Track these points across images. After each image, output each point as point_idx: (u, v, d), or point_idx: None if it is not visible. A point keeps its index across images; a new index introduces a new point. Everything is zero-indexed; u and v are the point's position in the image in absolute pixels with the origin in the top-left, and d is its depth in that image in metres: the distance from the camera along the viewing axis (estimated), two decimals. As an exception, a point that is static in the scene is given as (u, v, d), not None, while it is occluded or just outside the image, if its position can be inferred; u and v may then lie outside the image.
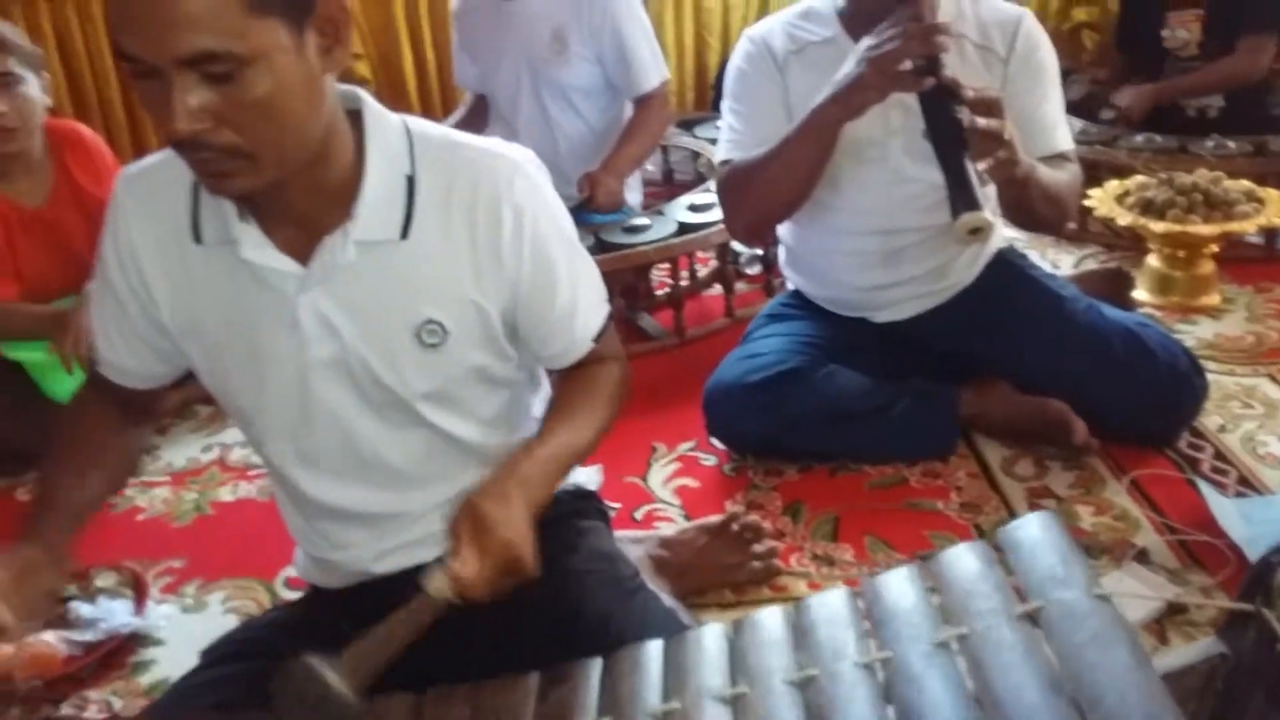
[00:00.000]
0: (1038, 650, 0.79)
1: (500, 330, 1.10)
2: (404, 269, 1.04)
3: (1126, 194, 2.38)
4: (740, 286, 2.54)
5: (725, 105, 1.83)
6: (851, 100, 1.56)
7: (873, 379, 1.84)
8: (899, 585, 0.92)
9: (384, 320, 1.06)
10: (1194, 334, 2.21)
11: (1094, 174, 2.58)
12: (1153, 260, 2.36)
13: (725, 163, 1.79)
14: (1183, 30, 2.96)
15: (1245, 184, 2.33)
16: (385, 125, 1.04)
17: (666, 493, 1.83)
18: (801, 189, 1.71)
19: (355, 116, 1.03)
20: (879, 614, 0.89)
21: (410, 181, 1.03)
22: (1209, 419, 1.90)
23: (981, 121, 1.43)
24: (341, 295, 1.05)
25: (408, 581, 0.98)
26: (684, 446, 1.95)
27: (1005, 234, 1.94)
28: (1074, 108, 2.94)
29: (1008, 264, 1.92)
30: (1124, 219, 2.26)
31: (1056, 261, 2.61)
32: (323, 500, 1.16)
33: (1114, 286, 2.32)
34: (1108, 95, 2.99)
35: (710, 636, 0.94)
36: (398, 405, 1.10)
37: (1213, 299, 2.31)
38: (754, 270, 2.63)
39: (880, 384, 1.84)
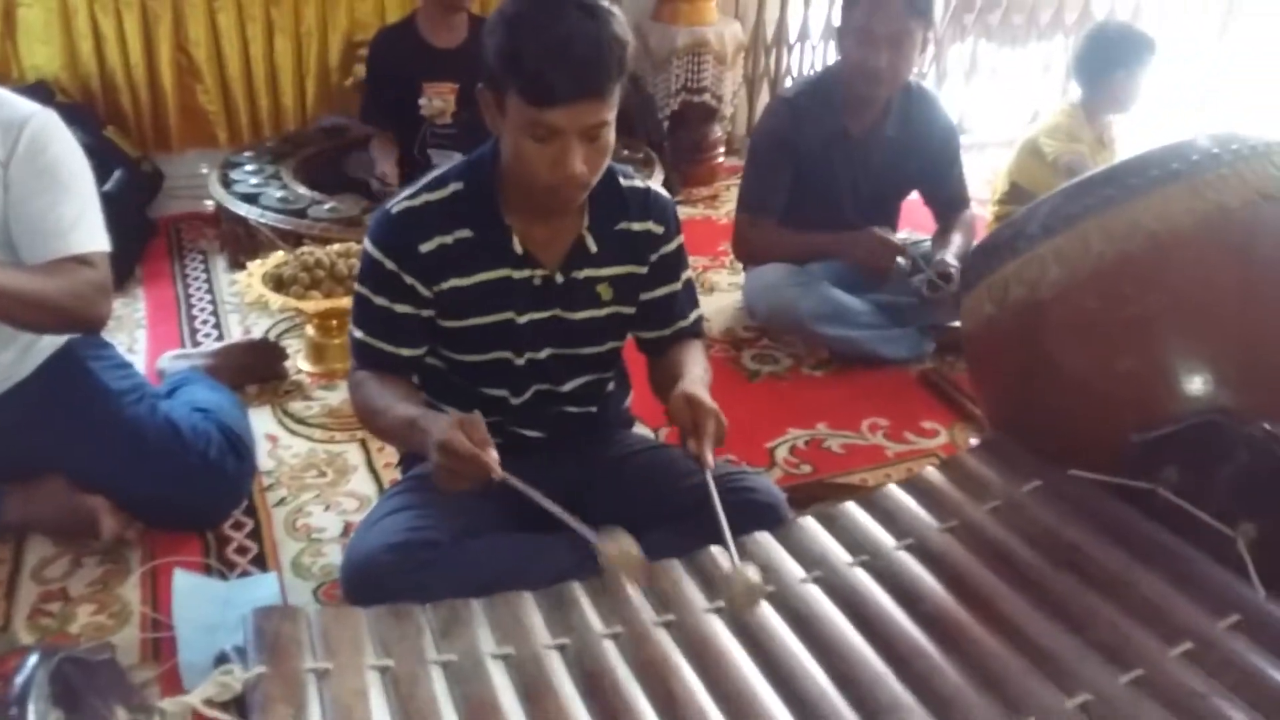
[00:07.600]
0: None
1: None
2: None
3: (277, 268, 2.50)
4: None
5: None
6: None
7: None
8: None
9: None
10: (326, 400, 2.37)
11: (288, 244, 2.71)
12: (309, 330, 2.50)
13: None
14: (438, 100, 3.20)
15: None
16: None
17: None
18: None
19: None
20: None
21: None
22: (276, 491, 2.03)
23: None
24: None
25: None
26: None
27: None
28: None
29: (71, 358, 1.89)
30: (250, 295, 2.37)
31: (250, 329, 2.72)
32: None
33: (260, 357, 2.44)
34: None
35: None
36: None
37: (360, 363, 2.49)
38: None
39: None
